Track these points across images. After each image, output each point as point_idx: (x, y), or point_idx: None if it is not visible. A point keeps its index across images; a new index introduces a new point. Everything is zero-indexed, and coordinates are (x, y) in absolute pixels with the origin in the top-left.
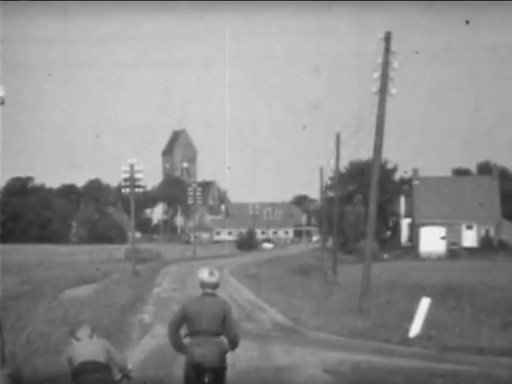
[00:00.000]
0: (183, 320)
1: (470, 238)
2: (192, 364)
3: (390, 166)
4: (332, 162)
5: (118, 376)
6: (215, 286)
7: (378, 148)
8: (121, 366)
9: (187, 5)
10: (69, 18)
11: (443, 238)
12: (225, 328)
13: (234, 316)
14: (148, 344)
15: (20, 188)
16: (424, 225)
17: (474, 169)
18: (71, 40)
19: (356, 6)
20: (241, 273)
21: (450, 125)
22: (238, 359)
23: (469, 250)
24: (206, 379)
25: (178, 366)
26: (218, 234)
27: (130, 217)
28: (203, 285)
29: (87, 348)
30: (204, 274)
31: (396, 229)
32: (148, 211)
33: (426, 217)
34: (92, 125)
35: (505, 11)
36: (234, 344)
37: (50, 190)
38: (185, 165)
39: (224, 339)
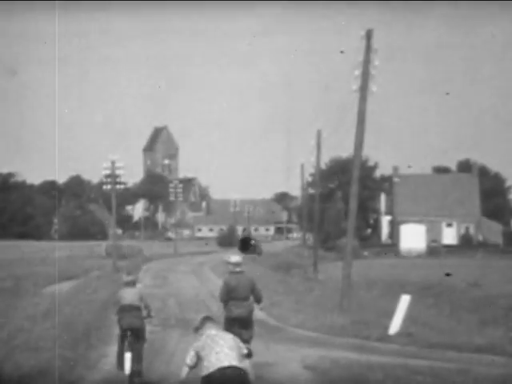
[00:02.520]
0: (227, 291)
1: (449, 236)
2: (230, 317)
3: (370, 163)
4: (313, 159)
5: (144, 313)
6: (239, 264)
7: (358, 145)
8: (147, 308)
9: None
10: (59, 15)
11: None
12: (253, 293)
13: (216, 313)
14: None
15: (1, 184)
16: (404, 222)
17: (454, 167)
18: (59, 35)
19: (337, 4)
20: (221, 270)
21: (431, 122)
22: None
23: (449, 247)
24: (243, 331)
25: (157, 360)
26: (200, 230)
27: (111, 213)
28: (232, 264)
29: (129, 295)
30: (230, 257)
31: (376, 226)
32: (129, 208)
33: (406, 214)
34: (74, 121)
35: (488, 9)
36: (259, 301)
37: (32, 187)
38: (166, 161)
39: (252, 301)
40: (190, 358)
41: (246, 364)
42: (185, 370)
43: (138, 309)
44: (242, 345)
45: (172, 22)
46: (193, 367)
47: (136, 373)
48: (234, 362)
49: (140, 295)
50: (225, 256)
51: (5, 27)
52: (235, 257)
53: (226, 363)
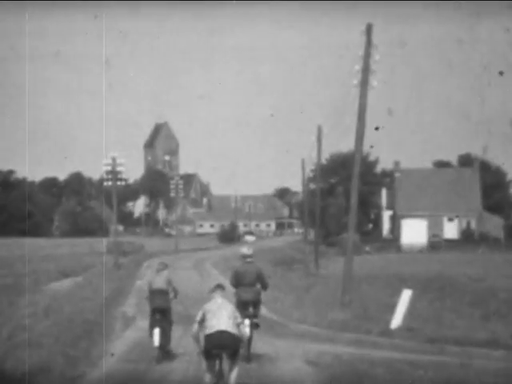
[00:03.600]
0: (236, 277)
1: (451, 230)
2: (240, 301)
3: (371, 158)
4: (314, 154)
5: (171, 296)
6: (251, 256)
7: (359, 140)
8: (174, 291)
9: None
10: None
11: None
12: (259, 280)
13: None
14: (131, 337)
15: (1, 181)
16: (405, 217)
17: (455, 161)
18: (61, 32)
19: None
20: (223, 265)
21: (432, 117)
22: None
23: (450, 242)
24: (250, 309)
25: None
26: (201, 226)
27: (112, 210)
28: (244, 256)
29: (158, 280)
30: (244, 249)
31: (378, 221)
32: (130, 204)
33: (408, 209)
34: (73, 118)
35: (481, 6)
36: (265, 288)
37: (32, 184)
38: (167, 157)
39: (259, 287)
40: (199, 316)
41: (238, 331)
42: (195, 326)
43: (165, 292)
44: (238, 315)
45: (173, 20)
46: (200, 323)
47: (163, 345)
48: (230, 329)
49: (168, 280)
50: (241, 249)
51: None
52: (246, 249)
53: (223, 328)
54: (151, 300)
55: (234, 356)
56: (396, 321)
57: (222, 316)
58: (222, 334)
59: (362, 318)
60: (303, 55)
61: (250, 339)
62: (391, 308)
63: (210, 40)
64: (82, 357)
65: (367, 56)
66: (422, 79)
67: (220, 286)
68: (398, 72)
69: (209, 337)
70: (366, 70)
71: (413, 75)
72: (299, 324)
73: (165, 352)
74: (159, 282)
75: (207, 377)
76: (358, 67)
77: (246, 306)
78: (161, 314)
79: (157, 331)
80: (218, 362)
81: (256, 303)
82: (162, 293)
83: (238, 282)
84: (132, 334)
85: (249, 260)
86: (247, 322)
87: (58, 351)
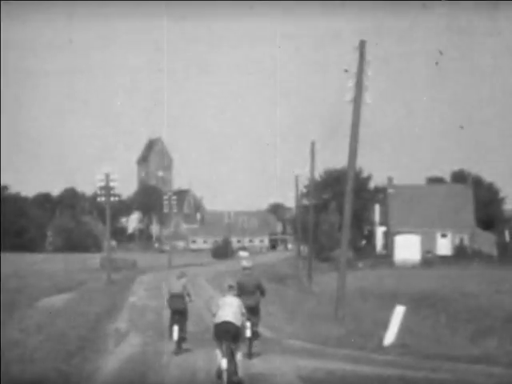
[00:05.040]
0: (239, 287)
1: (444, 246)
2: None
3: (364, 174)
4: (307, 170)
5: (187, 299)
6: (250, 268)
7: (352, 156)
8: (189, 295)
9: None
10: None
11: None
12: (258, 288)
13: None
14: (124, 352)
15: None
16: (399, 233)
17: (448, 177)
18: (48, 45)
19: (330, 13)
20: (218, 281)
21: (425, 133)
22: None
23: (443, 258)
24: (247, 317)
25: (152, 372)
26: (194, 242)
27: (105, 225)
28: (245, 268)
29: (175, 285)
30: (243, 262)
31: (371, 237)
32: (123, 220)
33: (401, 225)
34: (66, 132)
35: (476, 16)
36: (264, 295)
37: (26, 199)
38: (160, 173)
39: (259, 294)
40: (214, 308)
41: (242, 323)
42: (212, 315)
43: (182, 296)
44: (243, 308)
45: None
46: (214, 314)
47: (181, 339)
48: (234, 320)
49: (184, 286)
50: (241, 262)
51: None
52: (246, 262)
53: (228, 319)
54: (170, 302)
55: (235, 339)
56: (389, 337)
57: (229, 310)
58: (226, 323)
59: (355, 333)
60: (298, 69)
61: (250, 339)
62: (385, 324)
63: (202, 52)
64: (74, 372)
65: (360, 72)
66: (415, 94)
67: (231, 287)
68: (390, 87)
69: (216, 325)
70: (359, 86)
71: (405, 91)
72: (292, 339)
73: (181, 346)
74: (177, 288)
75: (222, 362)
76: (351, 83)
77: (248, 311)
78: (178, 314)
79: (175, 328)
80: (225, 344)
81: (256, 309)
82: (180, 296)
83: (240, 290)
84: (125, 349)
85: (248, 272)
86: (248, 324)
87: (51, 367)
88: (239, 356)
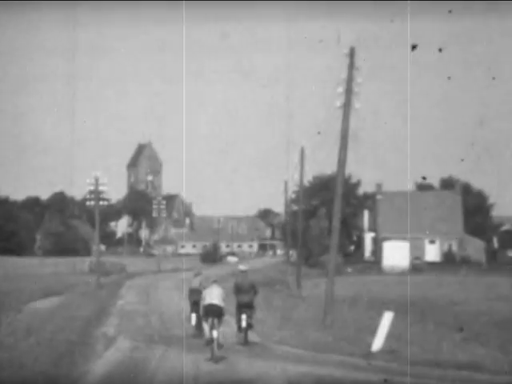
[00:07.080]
0: (236, 287)
1: (432, 253)
2: (239, 303)
3: (353, 180)
4: (296, 175)
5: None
6: (245, 271)
7: (342, 162)
8: (205, 288)
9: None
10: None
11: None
12: (252, 288)
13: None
14: (112, 356)
15: None
16: (387, 239)
17: (437, 184)
18: (37, 50)
19: (322, 19)
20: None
21: (415, 139)
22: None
23: (432, 264)
24: (243, 311)
25: (141, 375)
26: (183, 247)
27: (94, 229)
28: (241, 271)
29: (195, 282)
30: (240, 266)
31: (360, 243)
32: (113, 224)
33: (389, 231)
34: (56, 137)
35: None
36: (256, 294)
37: (15, 203)
38: (149, 178)
39: (252, 293)
40: (202, 297)
41: (223, 304)
42: (202, 302)
43: (199, 291)
44: (223, 294)
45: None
46: (203, 299)
47: (199, 324)
48: (218, 303)
49: (200, 282)
50: (238, 266)
51: None
52: (242, 266)
53: (213, 302)
54: (190, 295)
55: (219, 317)
56: (377, 343)
57: (212, 295)
58: (211, 305)
59: (343, 339)
60: (287, 76)
61: (246, 330)
62: (373, 330)
63: (192, 60)
64: (62, 376)
65: (350, 79)
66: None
67: (215, 281)
68: (380, 94)
69: (205, 306)
70: (348, 93)
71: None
72: (281, 345)
73: (199, 330)
74: (195, 284)
75: (206, 332)
76: (341, 89)
77: (244, 306)
78: (197, 305)
79: (194, 316)
80: (210, 320)
81: (251, 306)
82: (197, 291)
83: (237, 290)
84: (113, 353)
85: (244, 274)
86: (244, 316)
87: (39, 371)
88: (221, 328)
